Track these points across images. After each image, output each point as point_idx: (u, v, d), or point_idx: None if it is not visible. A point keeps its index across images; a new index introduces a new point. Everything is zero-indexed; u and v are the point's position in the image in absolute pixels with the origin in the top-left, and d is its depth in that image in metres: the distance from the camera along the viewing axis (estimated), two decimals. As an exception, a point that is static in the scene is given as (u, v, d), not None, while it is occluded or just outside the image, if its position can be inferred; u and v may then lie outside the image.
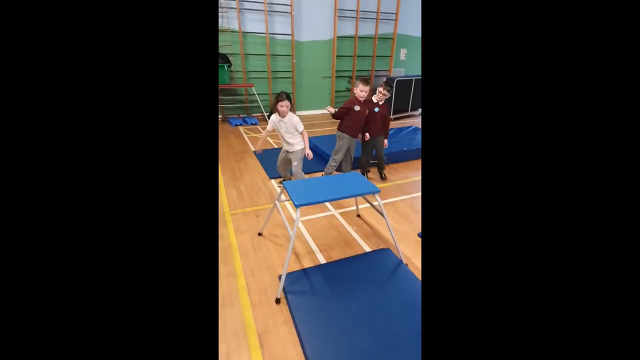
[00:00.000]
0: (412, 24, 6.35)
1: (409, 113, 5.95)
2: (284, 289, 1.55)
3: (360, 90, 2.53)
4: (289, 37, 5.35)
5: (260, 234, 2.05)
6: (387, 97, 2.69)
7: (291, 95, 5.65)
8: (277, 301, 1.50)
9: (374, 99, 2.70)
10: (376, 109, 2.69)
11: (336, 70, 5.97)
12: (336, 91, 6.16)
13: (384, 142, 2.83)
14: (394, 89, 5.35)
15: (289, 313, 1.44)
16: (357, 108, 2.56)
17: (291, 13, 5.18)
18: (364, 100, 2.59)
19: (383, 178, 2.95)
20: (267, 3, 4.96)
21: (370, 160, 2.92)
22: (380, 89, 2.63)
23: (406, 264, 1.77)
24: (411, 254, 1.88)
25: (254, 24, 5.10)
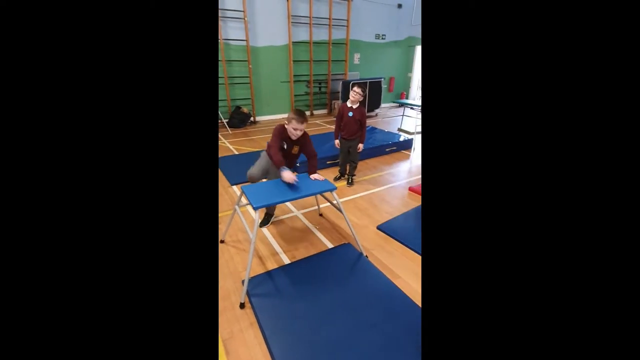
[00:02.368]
0: (362, 30, 6.66)
1: (367, 114, 6.21)
2: (247, 292, 1.55)
3: (294, 129, 1.82)
4: (244, 43, 5.31)
5: (222, 241, 2.01)
6: (361, 99, 2.59)
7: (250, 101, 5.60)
8: (242, 306, 1.50)
9: (348, 103, 2.63)
10: (350, 114, 2.63)
11: (294, 75, 6.04)
12: (295, 95, 6.22)
13: (358, 146, 2.72)
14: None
15: (254, 316, 1.44)
16: (285, 146, 1.93)
17: (244, 19, 5.15)
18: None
19: (349, 183, 2.89)
20: (220, 9, 4.88)
21: (346, 162, 2.88)
22: (355, 89, 2.54)
23: (366, 256, 1.86)
24: (370, 246, 1.97)
25: (206, 29, 4.98)
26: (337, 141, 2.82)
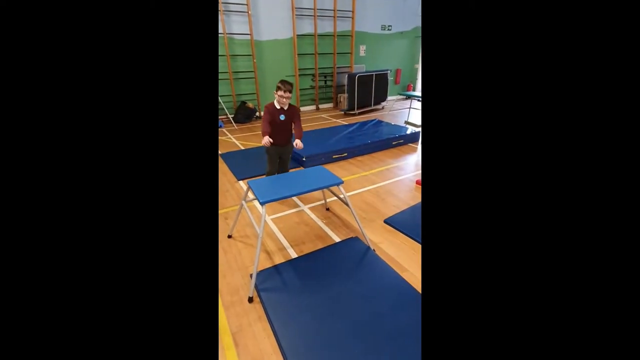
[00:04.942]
0: (368, 21, 6.53)
1: (372, 107, 6.14)
2: (256, 286, 1.56)
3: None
4: (248, 37, 5.28)
5: (230, 236, 2.03)
6: (289, 98, 2.07)
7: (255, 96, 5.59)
8: (250, 300, 1.51)
9: (276, 105, 2.10)
10: (282, 117, 2.12)
11: (299, 69, 5.99)
12: (300, 89, 6.18)
13: (295, 142, 2.12)
14: (356, 84, 5.50)
15: (262, 310, 1.46)
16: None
17: (248, 12, 5.11)
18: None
19: None
20: (222, 3, 4.84)
21: (276, 171, 2.33)
22: (280, 93, 2.04)
23: (374, 250, 1.85)
24: (378, 240, 1.96)
25: (210, 24, 4.96)
26: (266, 138, 2.04)
